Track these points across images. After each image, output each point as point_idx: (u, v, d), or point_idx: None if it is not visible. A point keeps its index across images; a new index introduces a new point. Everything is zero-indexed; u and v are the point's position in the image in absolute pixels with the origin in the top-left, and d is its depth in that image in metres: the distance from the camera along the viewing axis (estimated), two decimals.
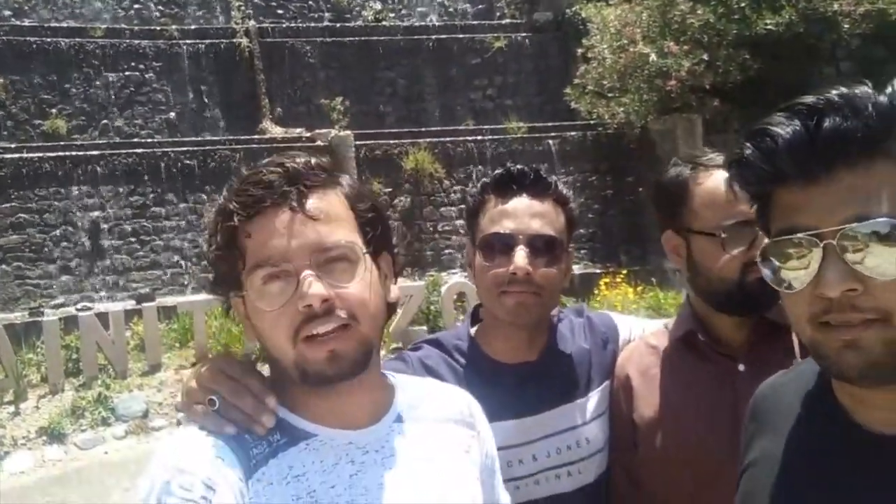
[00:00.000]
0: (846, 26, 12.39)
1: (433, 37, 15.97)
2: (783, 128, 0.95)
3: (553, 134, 13.56)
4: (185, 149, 12.65)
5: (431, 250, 13.04)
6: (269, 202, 1.12)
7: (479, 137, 13.53)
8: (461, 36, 16.12)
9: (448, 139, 13.41)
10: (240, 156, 12.40)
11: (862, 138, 0.92)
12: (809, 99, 0.95)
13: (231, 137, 13.47)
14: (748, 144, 0.98)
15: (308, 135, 13.16)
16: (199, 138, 13.66)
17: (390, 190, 12.83)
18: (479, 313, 1.85)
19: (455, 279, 9.89)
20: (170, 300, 10.84)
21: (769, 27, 11.67)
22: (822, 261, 0.93)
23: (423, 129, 14.04)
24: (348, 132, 12.77)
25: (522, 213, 1.68)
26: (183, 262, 12.27)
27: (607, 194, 13.49)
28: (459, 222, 13.06)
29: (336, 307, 1.11)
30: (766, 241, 1.02)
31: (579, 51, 13.66)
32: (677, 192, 1.72)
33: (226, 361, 1.23)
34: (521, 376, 1.71)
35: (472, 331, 1.83)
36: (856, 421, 1.02)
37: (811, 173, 0.94)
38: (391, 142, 13.17)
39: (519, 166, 1.74)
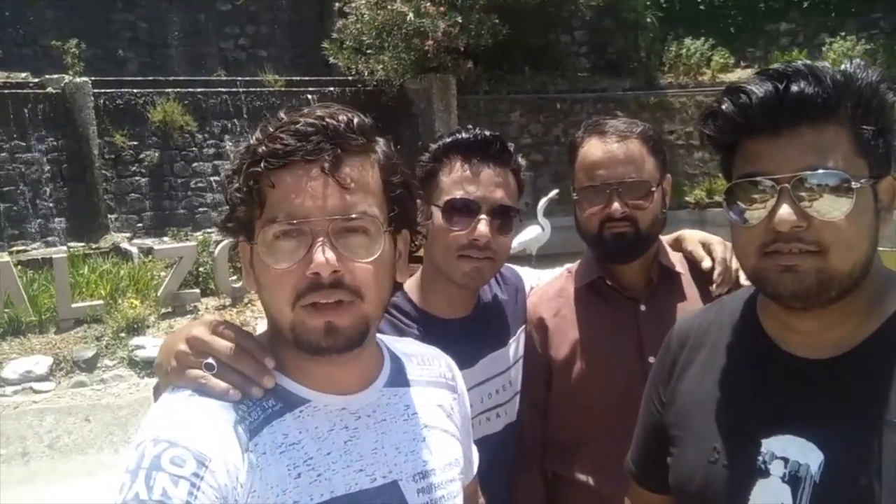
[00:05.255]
0: None
1: None
2: (757, 87, 1.10)
3: (311, 89, 13.20)
4: None
5: (184, 209, 12.25)
6: (299, 156, 1.05)
7: (234, 89, 12.84)
8: None
9: (199, 90, 12.55)
10: None
11: (821, 103, 1.08)
12: (780, 67, 1.10)
13: None
14: (726, 99, 1.12)
15: (36, 80, 11.66)
16: None
17: (136, 143, 11.85)
18: None
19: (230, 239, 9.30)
20: None
21: None
22: (777, 201, 1.08)
23: (171, 79, 12.99)
24: (85, 79, 11.49)
25: (487, 182, 1.73)
26: None
27: None
28: (214, 179, 12.43)
29: (344, 280, 1.07)
30: (729, 183, 1.16)
31: (336, 4, 13.46)
32: (570, 153, 1.90)
33: (220, 322, 1.16)
34: (458, 331, 1.76)
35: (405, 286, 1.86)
36: (780, 347, 1.20)
37: (777, 127, 1.09)
38: (135, 91, 12.06)
39: (487, 132, 1.76)
